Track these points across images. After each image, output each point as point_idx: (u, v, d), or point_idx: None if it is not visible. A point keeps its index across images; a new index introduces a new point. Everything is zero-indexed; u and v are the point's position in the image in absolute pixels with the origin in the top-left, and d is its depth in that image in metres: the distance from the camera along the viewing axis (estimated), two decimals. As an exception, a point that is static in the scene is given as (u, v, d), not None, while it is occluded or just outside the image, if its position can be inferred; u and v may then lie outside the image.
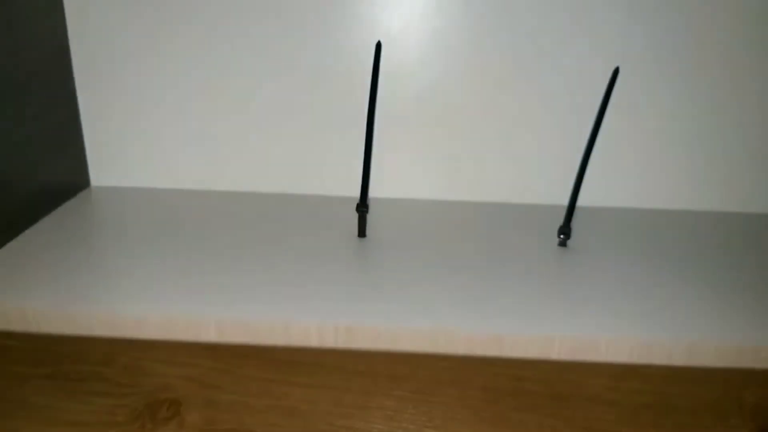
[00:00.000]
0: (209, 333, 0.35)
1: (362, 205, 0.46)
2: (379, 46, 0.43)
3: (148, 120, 0.52)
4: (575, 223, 0.48)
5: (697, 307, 0.37)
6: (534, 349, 0.34)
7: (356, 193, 0.47)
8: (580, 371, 0.32)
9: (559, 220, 0.47)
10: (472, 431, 0.28)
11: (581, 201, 0.49)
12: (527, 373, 0.31)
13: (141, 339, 0.35)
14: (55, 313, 0.35)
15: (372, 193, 0.51)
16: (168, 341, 0.34)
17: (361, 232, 0.46)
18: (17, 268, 0.40)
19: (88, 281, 0.38)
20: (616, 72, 0.43)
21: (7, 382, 0.30)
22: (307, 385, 0.30)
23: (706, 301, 0.38)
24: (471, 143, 0.53)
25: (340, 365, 0.32)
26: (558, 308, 0.37)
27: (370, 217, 0.48)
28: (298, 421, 0.28)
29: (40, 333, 0.35)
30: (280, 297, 0.37)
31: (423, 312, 0.36)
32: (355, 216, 0.47)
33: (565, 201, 0.48)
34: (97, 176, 0.55)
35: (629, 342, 0.34)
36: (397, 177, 0.54)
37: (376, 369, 0.31)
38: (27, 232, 0.45)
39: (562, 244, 0.46)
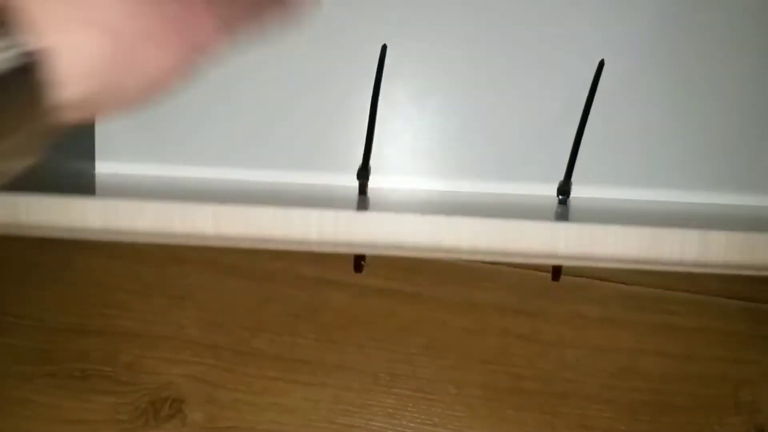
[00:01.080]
0: (206, 224, 0.34)
1: (364, 169, 0.45)
2: (384, 49, 0.42)
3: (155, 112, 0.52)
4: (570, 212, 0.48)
5: (708, 211, 0.39)
6: (541, 237, 0.34)
7: (354, 185, 0.47)
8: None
9: (553, 209, 0.47)
10: (471, 429, 0.28)
11: (575, 192, 0.49)
12: (526, 372, 0.32)
13: (136, 232, 0.34)
14: (48, 200, 0.34)
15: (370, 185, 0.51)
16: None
17: (362, 193, 0.46)
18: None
19: (83, 175, 0.38)
20: (601, 65, 0.43)
21: (10, 381, 0.30)
22: (308, 383, 0.30)
23: (717, 209, 0.39)
24: (463, 138, 0.52)
25: (340, 363, 0.32)
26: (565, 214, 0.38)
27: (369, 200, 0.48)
28: (299, 419, 0.28)
29: (30, 226, 0.34)
30: (279, 194, 0.38)
31: (425, 213, 0.36)
32: (354, 195, 0.47)
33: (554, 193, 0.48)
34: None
35: (639, 232, 0.34)
36: (392, 172, 0.54)
37: (375, 365, 0.32)
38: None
39: (562, 203, 0.46)
